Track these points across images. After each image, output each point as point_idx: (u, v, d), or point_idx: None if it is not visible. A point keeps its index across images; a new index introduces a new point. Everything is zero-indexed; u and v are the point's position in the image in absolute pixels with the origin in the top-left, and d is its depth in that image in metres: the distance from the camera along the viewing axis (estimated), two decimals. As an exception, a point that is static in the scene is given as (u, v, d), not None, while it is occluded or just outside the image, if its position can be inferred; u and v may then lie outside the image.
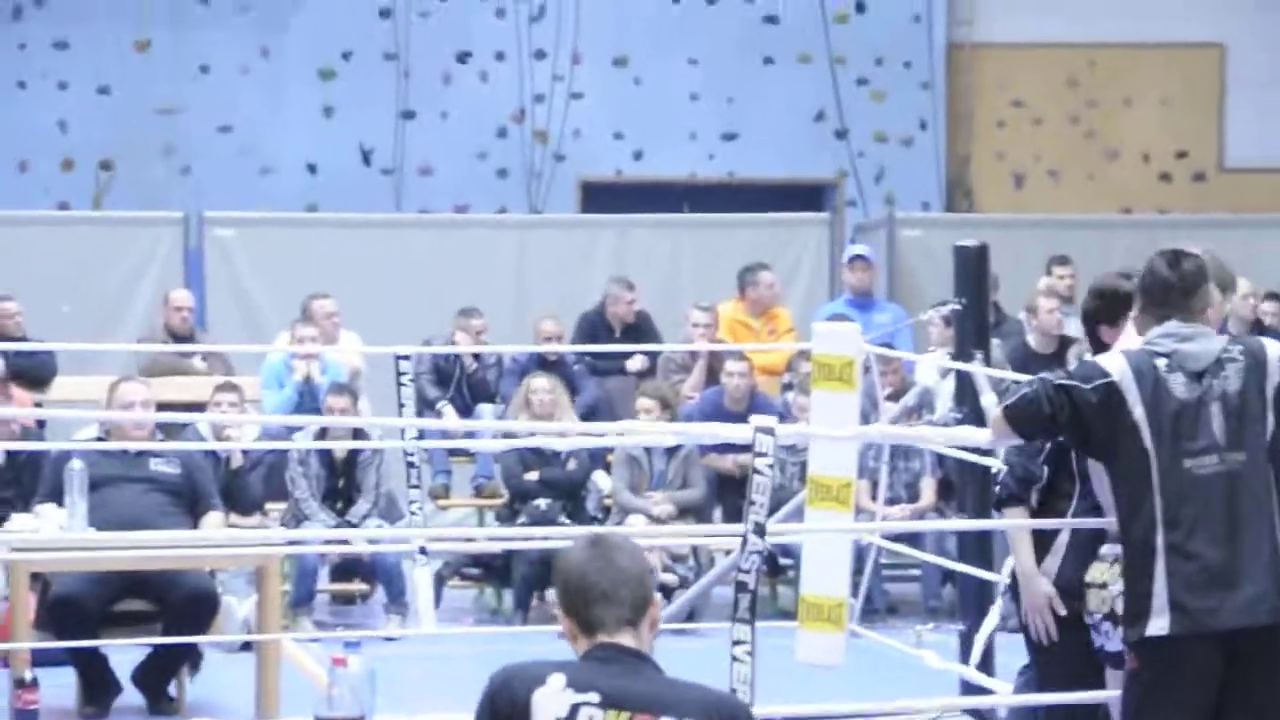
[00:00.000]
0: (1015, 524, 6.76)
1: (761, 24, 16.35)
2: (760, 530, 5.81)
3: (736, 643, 5.86)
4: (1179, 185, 16.73)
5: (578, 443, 10.75)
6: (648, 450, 11.69)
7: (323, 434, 11.08)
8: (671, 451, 11.71)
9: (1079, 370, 5.51)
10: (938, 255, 12.62)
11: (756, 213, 15.43)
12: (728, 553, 10.22)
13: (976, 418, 8.02)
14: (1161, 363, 5.30)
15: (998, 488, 6.20)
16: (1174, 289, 5.40)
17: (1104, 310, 6.10)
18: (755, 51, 16.32)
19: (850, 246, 14.71)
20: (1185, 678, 5.21)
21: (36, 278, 13.97)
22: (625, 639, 4.06)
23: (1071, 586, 5.89)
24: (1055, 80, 16.66)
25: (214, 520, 9.55)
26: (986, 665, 7.97)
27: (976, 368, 8.16)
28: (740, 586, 5.88)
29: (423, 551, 8.65)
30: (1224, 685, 5.23)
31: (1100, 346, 5.93)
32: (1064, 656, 5.95)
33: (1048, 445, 5.90)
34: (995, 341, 9.51)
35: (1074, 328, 12.87)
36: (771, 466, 5.77)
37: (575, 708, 3.95)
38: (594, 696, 3.96)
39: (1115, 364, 5.35)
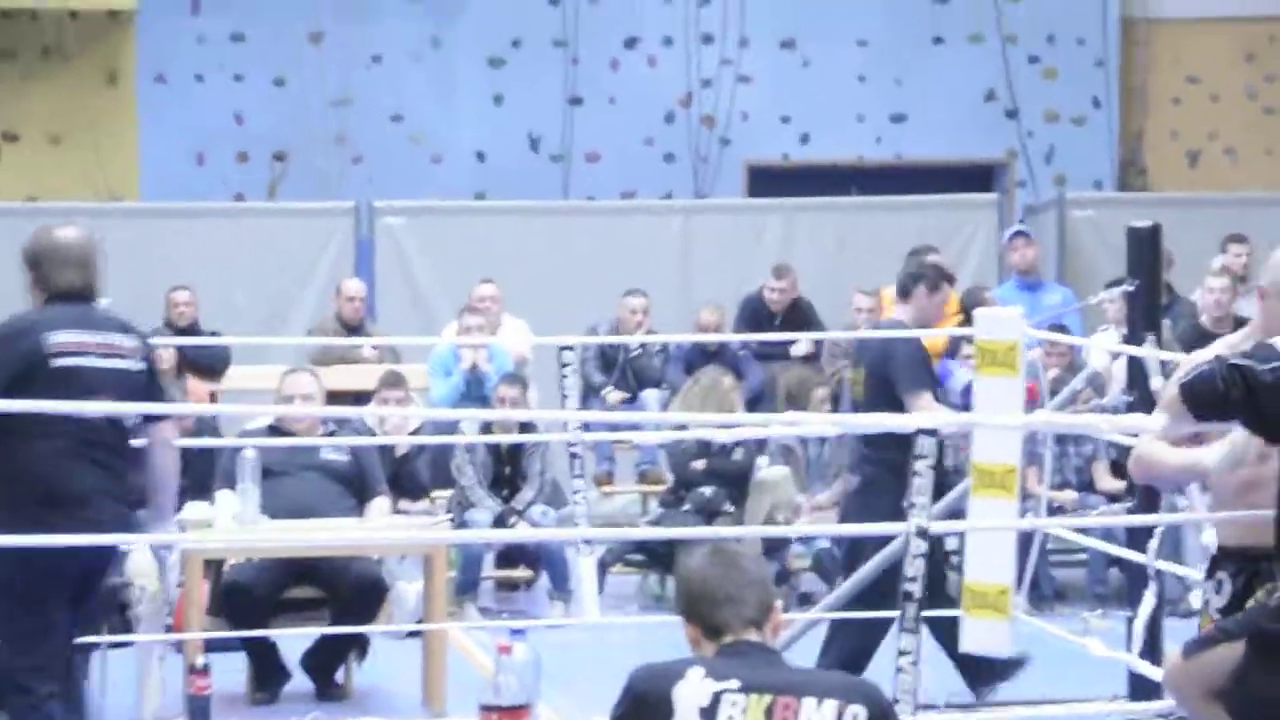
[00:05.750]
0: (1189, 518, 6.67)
1: (931, 3, 16.21)
2: (923, 533, 5.74)
3: (902, 653, 5.79)
4: (1361, 160, 16.37)
5: (744, 433, 10.74)
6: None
7: (488, 424, 11.15)
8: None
9: (1256, 351, 5.42)
10: (1110, 235, 12.45)
11: (924, 195, 15.29)
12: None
13: (1147, 401, 7.89)
14: None
15: None
16: None
17: None
18: (925, 31, 16.20)
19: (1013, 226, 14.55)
20: None
21: (212, 268, 14.19)
22: (752, 637, 4.12)
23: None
24: (1232, 55, 16.36)
25: (381, 506, 9.65)
26: (1152, 653, 7.83)
27: (1148, 350, 8.03)
28: (906, 596, 5.80)
29: (586, 540, 8.73)
30: None
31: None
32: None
33: None
34: (1166, 322, 9.30)
35: (1248, 308, 12.61)
36: (933, 467, 5.71)
37: (717, 695, 4.01)
38: (734, 683, 4.02)
39: (1294, 346, 5.26)
